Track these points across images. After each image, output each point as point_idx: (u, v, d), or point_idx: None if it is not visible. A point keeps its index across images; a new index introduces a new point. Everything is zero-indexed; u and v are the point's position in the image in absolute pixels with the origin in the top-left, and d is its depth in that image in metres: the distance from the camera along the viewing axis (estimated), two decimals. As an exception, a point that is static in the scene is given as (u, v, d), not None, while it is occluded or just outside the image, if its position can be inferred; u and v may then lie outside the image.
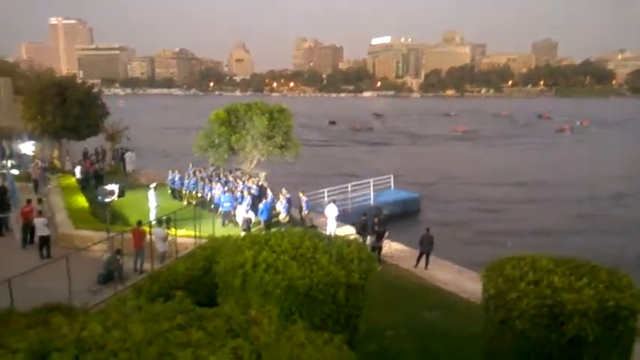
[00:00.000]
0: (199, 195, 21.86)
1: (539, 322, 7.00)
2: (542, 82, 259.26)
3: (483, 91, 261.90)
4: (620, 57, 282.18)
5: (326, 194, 24.00)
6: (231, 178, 22.36)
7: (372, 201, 25.71)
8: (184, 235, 15.73)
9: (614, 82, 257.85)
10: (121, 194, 15.36)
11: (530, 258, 8.24)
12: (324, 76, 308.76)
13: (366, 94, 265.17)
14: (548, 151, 58.68)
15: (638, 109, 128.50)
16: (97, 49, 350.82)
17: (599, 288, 7.10)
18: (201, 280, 10.13)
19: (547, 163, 48.52)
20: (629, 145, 63.15)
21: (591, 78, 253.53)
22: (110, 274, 12.33)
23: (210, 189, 21.32)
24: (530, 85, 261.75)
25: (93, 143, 33.28)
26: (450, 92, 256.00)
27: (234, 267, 7.68)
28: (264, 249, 8.06)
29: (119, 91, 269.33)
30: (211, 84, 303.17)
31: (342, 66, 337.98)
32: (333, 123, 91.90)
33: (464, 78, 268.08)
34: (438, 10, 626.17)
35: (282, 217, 19.26)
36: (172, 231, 15.32)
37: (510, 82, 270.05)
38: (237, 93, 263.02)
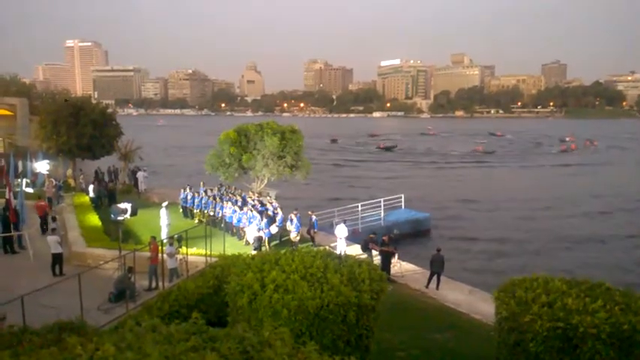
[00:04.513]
0: (211, 214, 21.99)
1: (552, 344, 6.89)
2: (551, 104, 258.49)
3: (493, 112, 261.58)
4: (630, 78, 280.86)
5: (336, 214, 24.01)
6: (249, 199, 22.36)
7: (382, 221, 25.65)
8: (195, 254, 15.79)
9: (624, 103, 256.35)
10: (134, 213, 15.46)
11: (543, 279, 8.15)
12: (334, 96, 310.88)
13: (376, 114, 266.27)
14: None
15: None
16: (111, 70, 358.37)
17: (614, 310, 6.99)
18: (212, 298, 10.15)
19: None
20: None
21: (601, 99, 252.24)
22: (121, 293, 12.36)
23: (222, 207, 21.44)
24: (539, 107, 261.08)
25: (107, 162, 33.71)
26: (459, 113, 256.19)
27: (243, 286, 7.68)
28: (274, 268, 8.07)
29: (132, 112, 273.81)
30: (223, 105, 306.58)
31: (351, 87, 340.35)
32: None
33: (473, 99, 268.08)
34: (447, 32, 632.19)
35: (293, 236, 19.31)
36: (183, 249, 15.38)
37: (520, 104, 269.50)
38: (249, 113, 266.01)
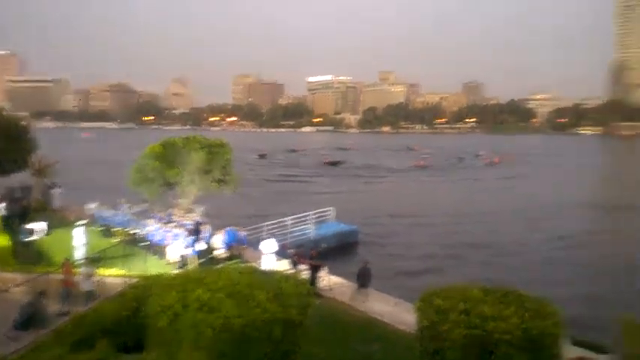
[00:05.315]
0: (133, 232, 21.01)
1: (470, 351, 7.17)
2: (471, 120, 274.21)
3: (417, 127, 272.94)
4: (539, 97, 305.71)
5: (265, 229, 23.78)
6: (174, 217, 21.64)
7: (312, 234, 25.72)
8: (113, 275, 14.95)
9: (535, 120, 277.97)
10: (46, 232, 14.45)
11: (462, 288, 8.50)
12: (263, 111, 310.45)
13: (306, 129, 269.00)
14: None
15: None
16: (27, 81, 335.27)
17: (525, 317, 7.40)
18: (130, 321, 9.63)
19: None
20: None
21: (515, 116, 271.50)
22: (28, 320, 11.39)
23: (144, 225, 20.56)
24: (460, 123, 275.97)
25: (19, 178, 31.28)
26: (386, 129, 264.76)
27: (163, 307, 7.38)
28: (199, 287, 7.83)
29: (50, 125, 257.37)
30: (149, 118, 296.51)
31: (282, 101, 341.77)
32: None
33: (399, 115, 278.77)
34: (375, 50, 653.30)
35: (221, 252, 18.89)
36: (101, 270, 14.55)
37: (442, 120, 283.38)
38: (177, 127, 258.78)
